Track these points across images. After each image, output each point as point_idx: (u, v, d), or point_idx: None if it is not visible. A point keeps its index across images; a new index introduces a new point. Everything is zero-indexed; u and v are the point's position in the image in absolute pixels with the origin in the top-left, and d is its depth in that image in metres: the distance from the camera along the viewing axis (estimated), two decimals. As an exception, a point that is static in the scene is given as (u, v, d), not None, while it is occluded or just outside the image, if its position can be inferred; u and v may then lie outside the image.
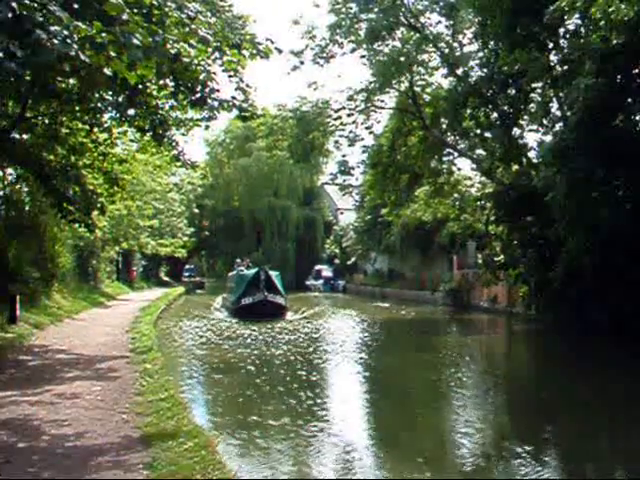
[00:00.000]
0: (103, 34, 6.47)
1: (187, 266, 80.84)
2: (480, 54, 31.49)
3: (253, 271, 34.72)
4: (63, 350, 15.68)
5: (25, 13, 6.52)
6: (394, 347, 23.92)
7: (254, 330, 25.99)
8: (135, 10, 8.65)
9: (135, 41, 6.32)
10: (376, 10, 32.62)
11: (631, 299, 21.50)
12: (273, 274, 34.91)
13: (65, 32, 6.29)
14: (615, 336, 21.70)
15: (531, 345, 25.88)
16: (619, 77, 21.27)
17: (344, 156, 36.98)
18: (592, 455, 10.47)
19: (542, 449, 10.33)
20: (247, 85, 15.62)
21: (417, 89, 34.49)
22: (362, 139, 35.83)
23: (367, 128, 35.53)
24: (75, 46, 6.28)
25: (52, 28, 6.33)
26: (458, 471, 9.49)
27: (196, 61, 12.31)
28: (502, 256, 31.57)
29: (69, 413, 9.27)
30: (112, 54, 6.46)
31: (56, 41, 6.25)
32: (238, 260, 45.75)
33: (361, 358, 20.47)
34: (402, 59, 32.42)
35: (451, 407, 13.82)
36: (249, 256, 53.30)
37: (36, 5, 6.71)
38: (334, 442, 10.59)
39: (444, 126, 34.23)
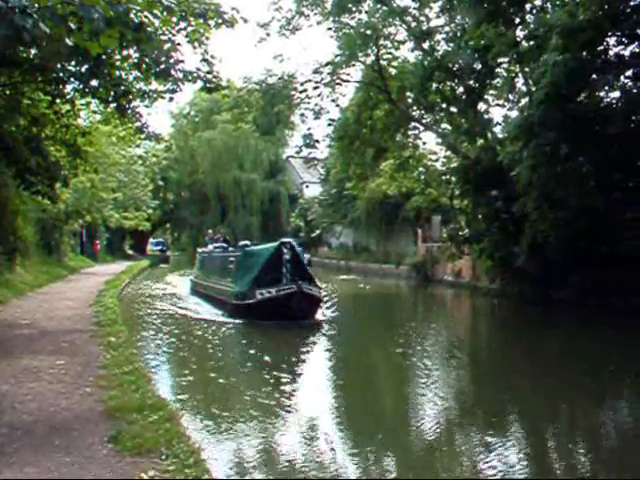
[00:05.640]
0: (64, 5, 6.34)
1: (154, 239, 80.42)
2: (447, 28, 31.53)
3: (271, 246, 22.42)
4: (26, 324, 15.52)
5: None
6: (362, 320, 24.04)
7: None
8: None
9: (96, 15, 6.20)
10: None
11: (592, 273, 21.85)
12: (299, 250, 22.71)
13: (25, 2, 6.15)
14: (577, 309, 22.03)
15: (493, 318, 26.16)
16: (584, 53, 21.40)
17: (309, 129, 36.98)
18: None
19: (506, 416, 10.51)
20: (212, 56, 15.53)
21: (383, 63, 34.38)
22: (328, 112, 35.86)
23: (333, 101, 35.54)
24: (35, 16, 6.14)
25: (10, -2, 6.19)
26: (422, 442, 9.60)
27: (160, 31, 12.16)
28: (467, 230, 31.82)
29: (32, 387, 9.20)
30: (73, 26, 6.33)
31: (14, 12, 6.12)
32: (210, 231, 38.74)
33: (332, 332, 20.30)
34: (368, 32, 32.29)
35: (413, 380, 13.93)
36: (216, 228, 50.53)
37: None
38: (298, 415, 10.65)
39: (410, 100, 34.28)
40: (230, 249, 28.67)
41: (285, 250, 21.04)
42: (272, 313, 19.76)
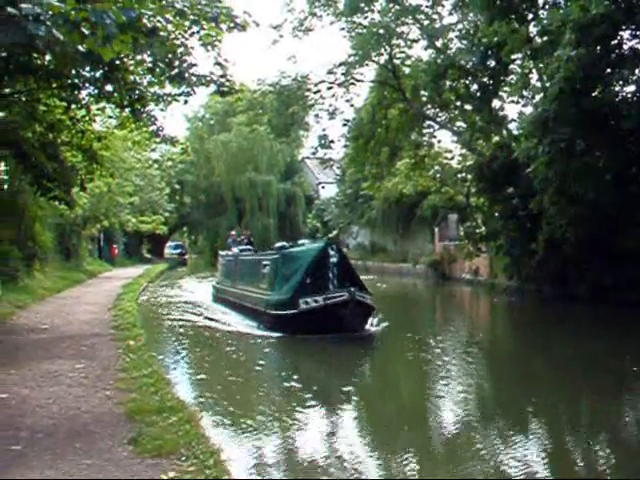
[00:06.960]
0: (76, 12, 6.37)
1: (172, 243, 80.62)
2: (460, 26, 31.48)
3: (315, 247, 19.81)
4: (45, 329, 15.64)
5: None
6: (401, 324, 23.50)
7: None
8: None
9: (108, 20, 6.23)
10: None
11: (611, 269, 21.73)
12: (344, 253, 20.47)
13: (38, 9, 6.19)
14: (596, 305, 21.88)
15: (512, 315, 26.12)
16: (598, 48, 21.29)
17: (324, 130, 37.07)
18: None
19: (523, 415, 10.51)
20: (225, 60, 15.57)
21: (397, 62, 34.38)
22: (342, 112, 35.94)
23: (347, 101, 35.58)
24: (48, 23, 6.18)
25: (24, 5, 6.22)
26: (438, 434, 9.60)
27: (173, 35, 12.21)
28: (483, 228, 31.74)
29: (53, 391, 9.28)
30: (86, 32, 6.36)
31: (28, 20, 6.15)
32: (233, 232, 34.88)
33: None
34: (381, 31, 32.30)
35: (431, 376, 13.90)
36: (239, 229, 47.65)
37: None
38: (317, 413, 10.70)
39: (424, 98, 34.22)
40: (260, 252, 26.48)
41: (332, 252, 18.34)
42: (319, 325, 16.96)
